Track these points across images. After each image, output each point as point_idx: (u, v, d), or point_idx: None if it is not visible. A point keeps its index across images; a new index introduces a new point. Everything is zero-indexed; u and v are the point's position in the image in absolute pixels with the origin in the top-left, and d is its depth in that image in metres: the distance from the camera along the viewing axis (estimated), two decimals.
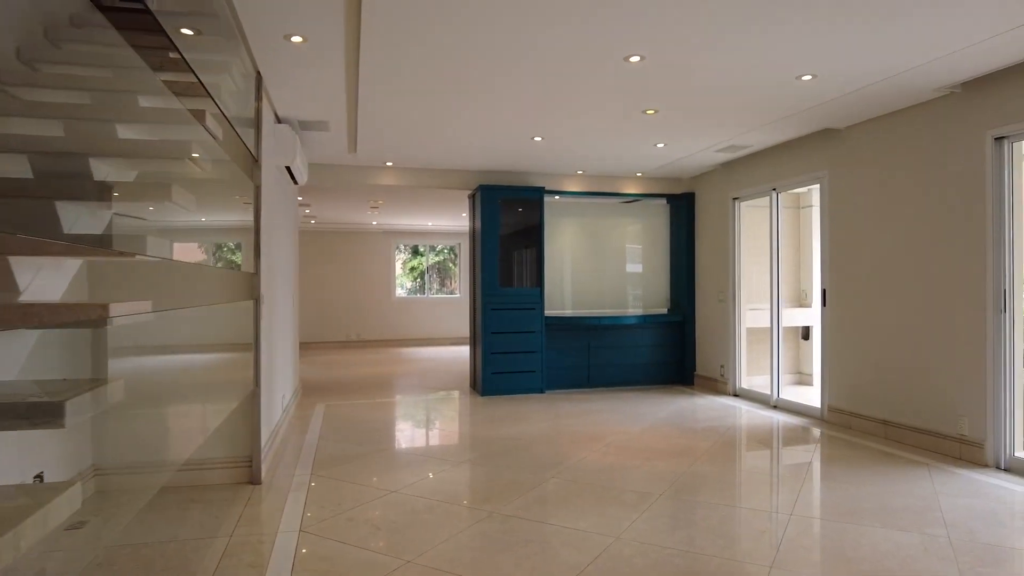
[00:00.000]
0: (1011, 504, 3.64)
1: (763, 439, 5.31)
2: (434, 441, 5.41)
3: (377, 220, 12.15)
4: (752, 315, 7.16)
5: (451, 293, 14.92)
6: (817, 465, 4.43)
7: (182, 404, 4.00)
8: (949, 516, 3.36)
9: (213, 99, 2.85)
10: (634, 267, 8.04)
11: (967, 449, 4.38)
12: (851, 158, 5.37)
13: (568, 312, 7.64)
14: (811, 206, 7.78)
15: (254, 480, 3.96)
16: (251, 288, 3.99)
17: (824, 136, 5.59)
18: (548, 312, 7.34)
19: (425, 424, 6.11)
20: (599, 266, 7.91)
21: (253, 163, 4.08)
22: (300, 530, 3.20)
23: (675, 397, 6.99)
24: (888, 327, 5.02)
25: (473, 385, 7.56)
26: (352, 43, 3.67)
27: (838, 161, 5.51)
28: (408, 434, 5.70)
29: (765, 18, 3.23)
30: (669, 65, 3.89)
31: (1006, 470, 4.17)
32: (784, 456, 4.87)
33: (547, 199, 7.38)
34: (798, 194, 7.79)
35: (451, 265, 15.45)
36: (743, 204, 7.01)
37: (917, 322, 4.76)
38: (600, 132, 5.55)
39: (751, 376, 7.14)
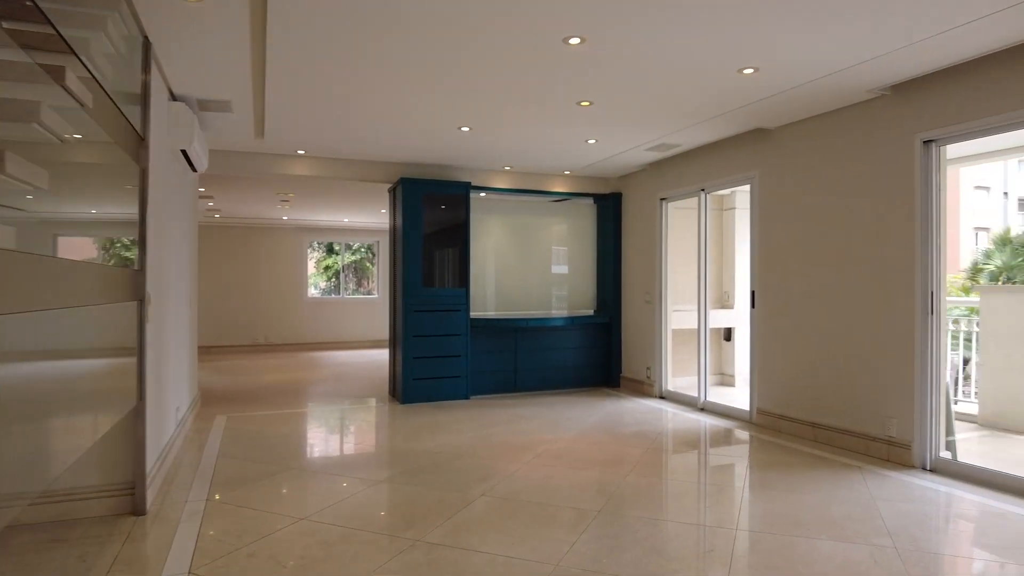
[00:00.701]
0: (943, 507, 3.63)
1: (697, 445, 5.19)
2: (350, 457, 4.94)
3: (288, 215, 11.41)
4: (677, 316, 7.10)
5: (368, 294, 14.30)
6: (754, 472, 4.31)
7: (43, 421, 3.38)
8: (890, 523, 3.27)
9: (79, 57, 2.33)
10: (561, 268, 7.84)
11: (895, 451, 4.39)
12: (782, 159, 5.34)
13: (494, 314, 7.33)
14: (734, 208, 7.85)
15: (137, 510, 3.40)
16: (134, 287, 3.43)
17: (755, 136, 5.55)
18: (473, 314, 7.00)
19: (340, 437, 5.62)
20: (526, 266, 7.65)
21: (139, 143, 3.51)
22: (190, 573, 2.71)
23: (603, 400, 6.81)
24: (817, 329, 5.01)
25: (393, 392, 7.11)
26: (259, 6, 3.20)
27: (769, 162, 5.48)
28: (320, 449, 5.20)
29: (715, 1, 3.03)
30: (610, 50, 3.64)
31: (931, 471, 4.19)
32: (720, 462, 4.75)
33: (473, 195, 7.04)
34: (722, 196, 7.83)
35: (369, 264, 14.83)
36: (671, 205, 6.93)
37: (846, 324, 4.76)
38: (532, 124, 5.27)
39: (676, 378, 7.08)
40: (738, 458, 4.75)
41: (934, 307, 4.22)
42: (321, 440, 5.48)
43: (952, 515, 3.55)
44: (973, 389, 5.99)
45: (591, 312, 7.80)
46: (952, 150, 4.39)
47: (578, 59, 3.78)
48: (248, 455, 4.63)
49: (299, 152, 6.42)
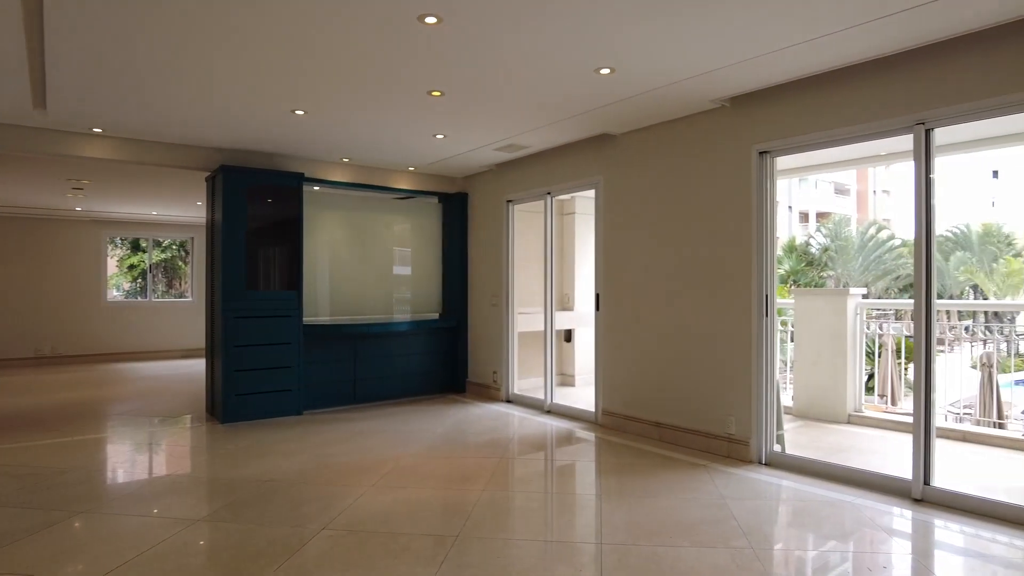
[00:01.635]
0: (786, 501, 3.78)
1: (549, 451, 5.07)
2: (160, 491, 4.11)
3: (82, 205, 9.75)
4: (522, 319, 7.02)
5: (181, 296, 12.75)
6: (609, 478, 4.25)
7: None
8: (743, 522, 3.33)
9: None
10: (404, 269, 7.42)
11: (735, 447, 4.57)
12: (626, 165, 5.41)
13: (330, 319, 6.73)
14: (574, 213, 7.95)
15: None
16: None
17: (601, 141, 5.57)
18: (307, 320, 6.35)
19: (147, 467, 4.75)
20: (367, 267, 7.12)
21: None
22: None
23: (450, 408, 6.52)
24: (661, 331, 5.12)
25: (211, 410, 6.22)
26: None
27: (613, 167, 5.53)
28: (120, 485, 4.33)
29: None
30: (469, 33, 3.35)
31: (767, 464, 4.41)
32: (574, 469, 4.64)
33: (307, 188, 6.40)
34: (562, 201, 7.90)
35: (181, 263, 13.26)
36: (517, 207, 6.82)
37: (689, 326, 4.90)
38: (377, 112, 4.83)
39: (521, 380, 6.99)
40: (591, 463, 4.69)
41: (768, 309, 4.45)
42: (123, 472, 4.58)
43: (794, 509, 3.70)
44: (788, 384, 6.54)
45: (436, 316, 7.47)
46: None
47: (433, 41, 3.45)
48: (23, 499, 3.70)
49: (95, 130, 5.38)
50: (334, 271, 6.87)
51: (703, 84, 4.13)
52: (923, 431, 3.66)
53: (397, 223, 7.42)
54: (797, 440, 5.26)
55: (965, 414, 6.17)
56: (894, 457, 4.72)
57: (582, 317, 7.78)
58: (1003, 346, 6.45)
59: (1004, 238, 31.87)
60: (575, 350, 7.89)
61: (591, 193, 7.31)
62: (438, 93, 4.34)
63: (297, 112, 4.81)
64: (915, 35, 3.37)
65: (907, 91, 3.67)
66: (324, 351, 6.47)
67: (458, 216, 7.39)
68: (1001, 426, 5.47)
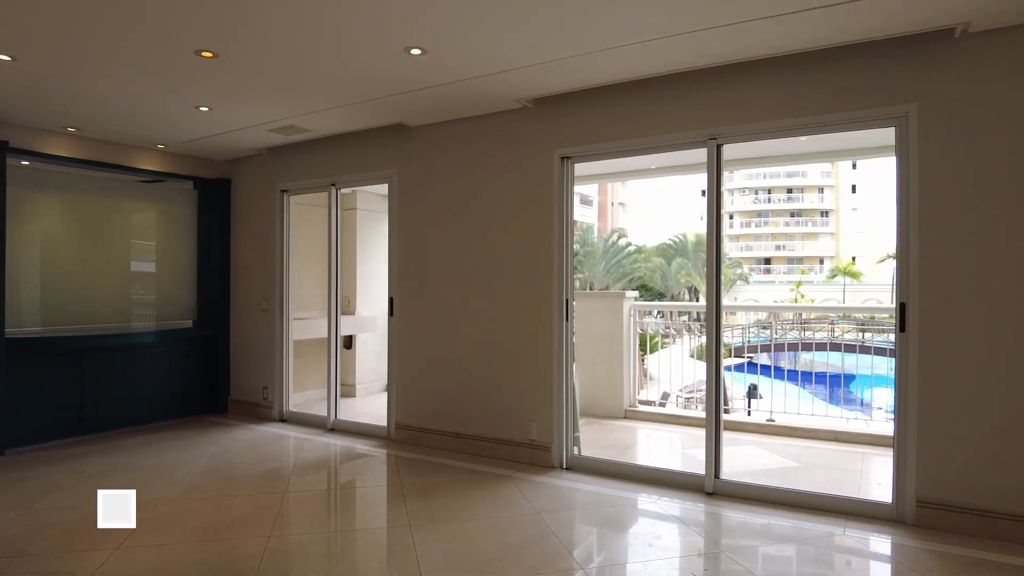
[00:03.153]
0: (597, 508, 3.74)
1: (342, 478, 4.51)
2: None
3: None
4: (297, 326, 6.27)
5: None
6: (415, 503, 3.82)
7: None
8: (564, 539, 3.20)
9: None
10: (147, 266, 6.14)
11: (537, 454, 4.49)
12: (424, 160, 5.05)
13: (44, 331, 5.28)
14: (355, 209, 7.38)
15: None
16: None
17: (396, 132, 5.14)
18: (9, 331, 4.89)
19: None
20: (97, 265, 5.72)
21: None
22: None
23: (211, 433, 5.52)
24: (461, 337, 4.86)
25: None
26: None
27: (410, 161, 5.13)
28: None
29: None
30: None
31: (567, 468, 4.40)
32: (375, 497, 4.11)
33: (11, 161, 4.92)
34: (343, 195, 7.27)
35: None
36: (294, 199, 6.06)
37: (490, 331, 4.71)
38: (124, 70, 3.80)
39: (296, 394, 6.24)
40: (392, 487, 4.23)
41: (568, 313, 4.45)
42: None
43: (607, 517, 3.67)
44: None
45: (190, 323, 6.33)
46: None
47: None
48: None
49: None
50: (50, 269, 5.39)
51: (513, 80, 3.96)
52: (714, 429, 3.90)
53: (140, 211, 6.12)
54: (584, 439, 5.39)
55: (688, 397, 7.19)
56: (666, 451, 5.08)
57: (365, 322, 7.24)
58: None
59: None
60: (355, 358, 7.31)
61: (376, 188, 6.90)
62: (209, 54, 3.54)
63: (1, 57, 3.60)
64: (705, 55, 3.57)
65: (701, 107, 3.89)
66: (36, 371, 5.05)
67: (219, 205, 6.34)
68: (727, 411, 6.26)
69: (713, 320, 3.94)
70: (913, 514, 3.32)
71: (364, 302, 7.38)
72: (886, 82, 3.38)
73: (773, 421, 5.77)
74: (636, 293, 7.12)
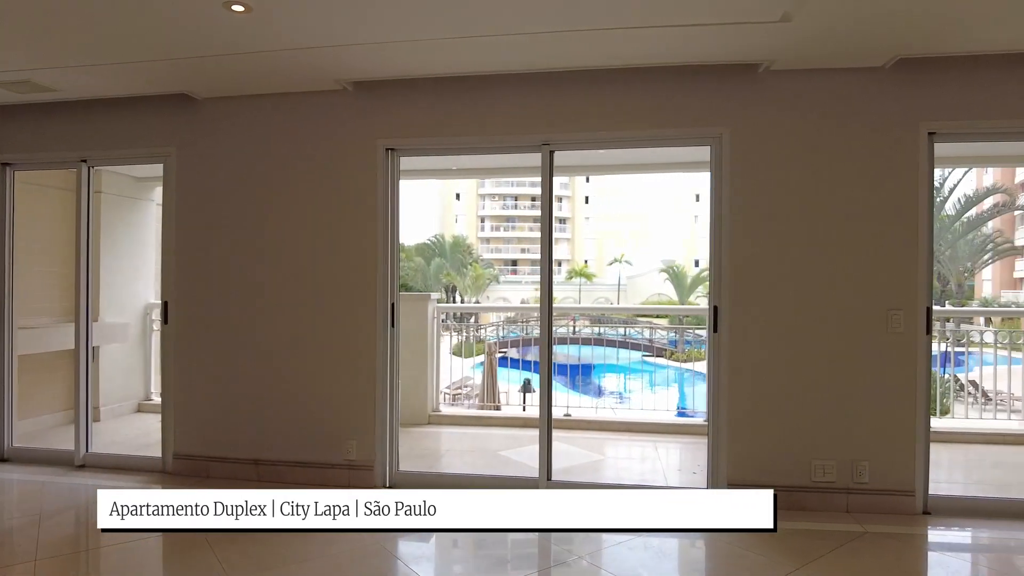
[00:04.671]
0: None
1: (116, 534, 3.59)
2: None
3: None
4: (22, 336, 4.94)
5: None
6: (226, 548, 3.20)
7: None
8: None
9: None
10: None
11: (357, 474, 4.09)
12: (214, 138, 4.27)
13: None
14: (101, 192, 6.06)
15: None
16: None
17: (177, 103, 4.27)
18: None
19: None
20: None
21: None
22: None
23: None
24: (263, 348, 4.22)
25: None
26: None
27: (196, 139, 4.30)
28: None
29: None
30: None
31: (392, 486, 4.10)
32: (164, 555, 3.34)
33: None
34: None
35: None
36: (18, 174, 4.74)
37: (300, 340, 4.16)
38: None
39: (21, 422, 4.89)
40: (188, 537, 3.46)
41: (394, 319, 4.13)
42: None
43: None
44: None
45: None
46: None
47: None
48: None
49: None
50: None
51: (344, 58, 3.55)
52: (546, 431, 3.93)
53: None
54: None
55: (455, 394, 7.44)
56: (488, 455, 5.05)
57: (113, 331, 5.98)
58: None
59: (467, 248, 39.43)
60: (100, 375, 5.99)
61: (127, 169, 5.83)
62: None
63: None
64: (534, 59, 3.61)
65: (536, 112, 3.89)
66: None
67: None
68: (498, 408, 6.51)
69: (546, 322, 3.97)
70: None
71: (110, 306, 6.09)
72: (706, 105, 3.72)
73: (570, 416, 6.08)
74: (439, 295, 6.99)
